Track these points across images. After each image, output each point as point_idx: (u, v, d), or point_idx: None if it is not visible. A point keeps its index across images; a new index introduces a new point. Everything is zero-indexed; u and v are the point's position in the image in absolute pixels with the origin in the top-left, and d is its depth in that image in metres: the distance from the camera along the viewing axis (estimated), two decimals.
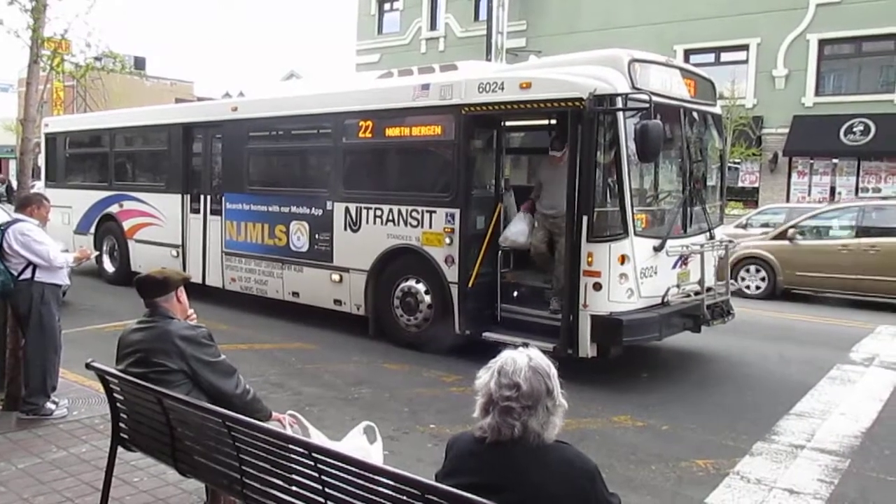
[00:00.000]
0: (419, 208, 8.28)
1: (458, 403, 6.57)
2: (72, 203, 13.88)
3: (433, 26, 30.00)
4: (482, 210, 8.01)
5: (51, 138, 14.67)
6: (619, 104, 6.71)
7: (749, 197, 22.12)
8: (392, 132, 8.68)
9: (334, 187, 9.23)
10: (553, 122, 8.84)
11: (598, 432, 5.89)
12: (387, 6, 31.87)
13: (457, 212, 7.92)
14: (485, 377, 2.34)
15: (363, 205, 8.86)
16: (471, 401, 6.51)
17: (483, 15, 27.02)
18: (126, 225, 12.59)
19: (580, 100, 6.82)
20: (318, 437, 3.75)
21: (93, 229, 13.35)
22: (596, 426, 6.04)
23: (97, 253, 10.75)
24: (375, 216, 8.74)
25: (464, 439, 2.46)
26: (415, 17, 30.31)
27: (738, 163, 21.78)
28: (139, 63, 55.40)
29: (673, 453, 5.49)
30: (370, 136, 8.86)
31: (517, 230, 7.99)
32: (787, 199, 20.89)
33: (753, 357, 8.61)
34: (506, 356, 2.34)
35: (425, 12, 30.17)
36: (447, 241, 8.02)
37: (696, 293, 7.55)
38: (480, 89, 7.69)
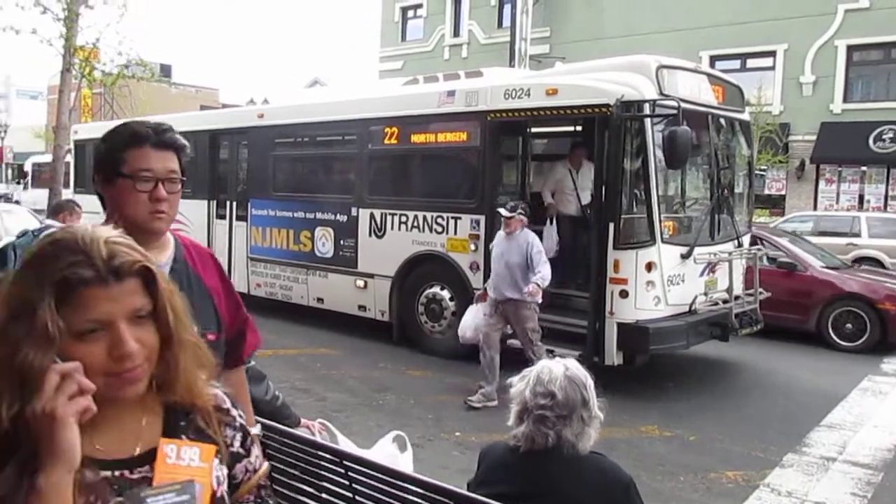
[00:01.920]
0: (444, 214, 8.27)
1: (483, 411, 6.54)
2: (99, 209, 14.01)
3: (457, 33, 30.00)
4: None
5: (80, 145, 14.82)
6: (647, 110, 6.67)
7: (775, 205, 21.85)
8: (417, 138, 8.69)
9: (359, 193, 9.25)
10: (579, 128, 8.82)
11: (625, 441, 5.83)
12: (410, 13, 31.93)
13: (482, 218, 7.90)
14: (520, 385, 2.32)
15: (388, 211, 8.87)
16: (495, 408, 6.50)
17: (507, 22, 26.97)
18: None
19: (607, 106, 6.79)
20: (346, 445, 3.74)
21: None
22: (623, 435, 5.98)
23: None
24: (400, 222, 8.74)
25: (497, 448, 2.45)
26: (438, 24, 30.34)
27: (765, 170, 21.52)
28: (165, 70, 55.98)
29: (701, 464, 5.42)
30: (395, 142, 8.87)
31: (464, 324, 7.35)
32: (815, 207, 20.61)
33: (782, 367, 8.48)
34: (542, 365, 2.32)
35: (449, 19, 30.19)
36: (472, 247, 8.00)
37: (724, 301, 7.46)
38: (506, 96, 7.67)
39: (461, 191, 8.33)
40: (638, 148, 6.78)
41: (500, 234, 6.94)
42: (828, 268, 10.04)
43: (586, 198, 8.23)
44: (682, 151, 6.39)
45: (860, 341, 9.28)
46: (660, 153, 6.67)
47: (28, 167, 37.95)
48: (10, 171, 59.31)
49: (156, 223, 1.99)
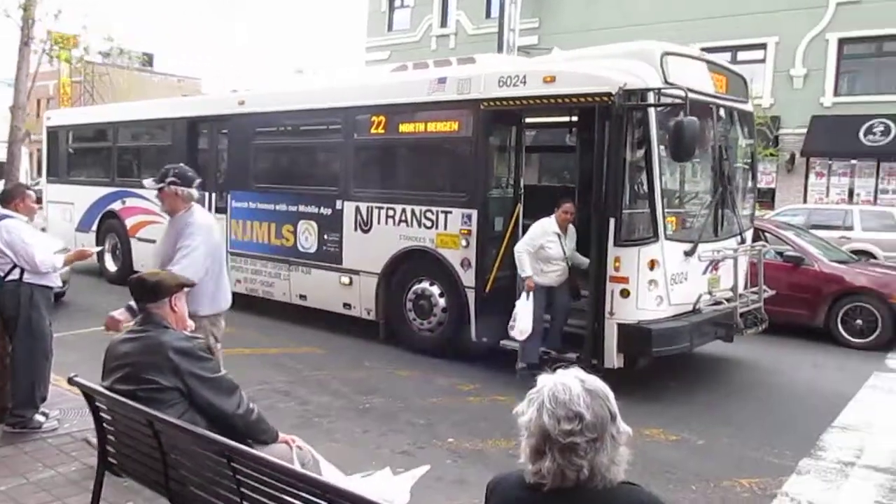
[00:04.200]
0: (434, 209, 7.88)
1: (477, 415, 6.18)
2: (74, 199, 13.55)
3: (444, 23, 29.53)
4: (500, 211, 7.61)
5: (52, 132, 14.32)
6: (652, 100, 6.30)
7: (765, 198, 21.62)
8: (406, 128, 8.28)
9: (344, 186, 8.84)
10: (574, 118, 8.44)
11: (630, 447, 5.49)
12: (397, 3, 31.40)
13: (474, 212, 7.52)
14: (530, 412, 1.91)
15: (375, 204, 8.47)
16: (490, 411, 6.11)
17: (495, 12, 26.50)
18: (129, 223, 12.21)
19: (609, 95, 6.41)
20: (329, 471, 3.35)
21: (95, 227, 12.99)
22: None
23: (100, 248, 10.31)
24: (387, 216, 8.34)
25: (509, 484, 2.05)
26: (425, 14, 29.85)
27: None
28: (147, 59, 55.26)
29: (713, 471, 5.09)
30: (383, 132, 8.46)
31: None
32: (805, 201, 20.41)
33: (786, 365, 8.20)
34: (553, 382, 1.92)
35: (436, 9, 29.70)
36: (463, 243, 7.62)
37: (728, 300, 7.13)
38: (501, 83, 7.28)
39: (452, 183, 7.94)
40: (640, 139, 6.41)
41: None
42: (835, 261, 9.76)
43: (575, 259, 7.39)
44: (689, 143, 6.03)
45: (871, 337, 9.01)
46: (663, 145, 6.31)
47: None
48: None
49: None
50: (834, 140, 20.18)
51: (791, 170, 21.12)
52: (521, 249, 7.00)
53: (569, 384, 1.91)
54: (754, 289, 7.60)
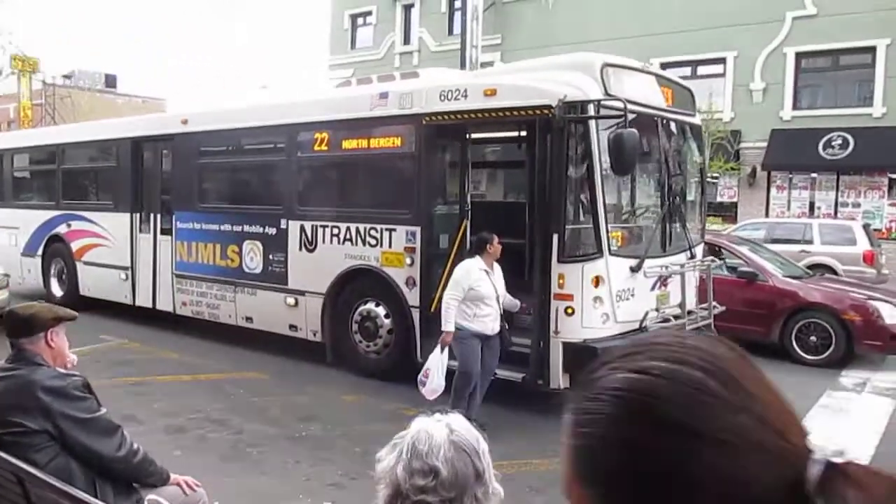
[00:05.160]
0: (378, 226, 7.66)
1: None
2: (19, 224, 13.15)
3: (407, 41, 29.48)
4: (445, 228, 7.40)
5: None
6: (592, 111, 6.15)
7: (727, 212, 21.70)
8: (349, 144, 8.06)
9: (289, 204, 8.59)
10: (523, 133, 8.27)
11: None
12: (360, 21, 31.30)
13: (417, 230, 7.31)
14: (389, 459, 1.69)
15: (319, 223, 8.22)
16: None
17: (457, 29, 26.54)
18: (74, 246, 11.84)
19: (549, 107, 6.25)
20: None
21: (41, 251, 12.58)
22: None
23: None
24: (332, 235, 8.10)
25: None
26: (388, 32, 29.79)
27: (717, 177, 21.36)
28: (110, 80, 54.56)
29: None
30: (326, 149, 8.24)
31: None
32: (767, 214, 20.49)
33: None
34: (418, 429, 1.70)
35: (399, 27, 29.66)
36: (408, 261, 7.40)
37: (677, 317, 6.96)
38: (442, 97, 7.10)
39: (396, 200, 7.72)
40: (582, 152, 6.25)
41: None
42: (790, 277, 9.65)
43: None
44: (629, 156, 5.88)
45: (826, 354, 8.87)
46: (606, 158, 6.15)
47: None
48: None
49: None
50: (794, 153, 20.31)
51: (752, 183, 21.22)
52: (448, 299, 6.01)
53: (433, 434, 1.68)
54: (704, 305, 7.44)
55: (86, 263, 11.65)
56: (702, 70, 22.04)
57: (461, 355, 6.03)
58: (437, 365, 6.05)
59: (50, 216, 12.36)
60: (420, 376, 6.15)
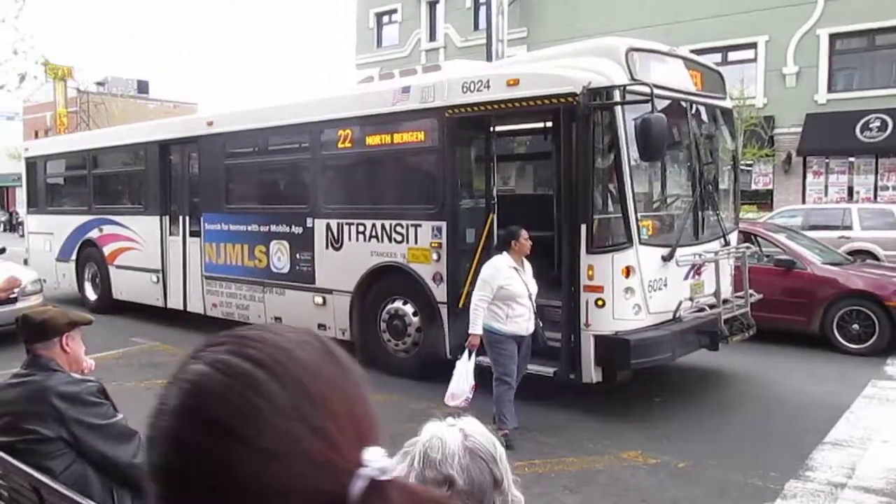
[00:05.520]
0: (404, 222, 7.56)
1: None
2: (53, 229, 13.33)
3: (433, 37, 29.38)
4: (472, 222, 7.27)
5: (31, 163, 14.13)
6: (617, 97, 5.97)
7: (763, 199, 21.24)
8: (372, 140, 7.97)
9: (314, 203, 8.53)
10: (549, 124, 8.11)
11: (604, 473, 5.12)
12: (385, 19, 31.29)
13: (443, 224, 7.19)
14: (400, 469, 1.57)
15: (345, 220, 8.15)
16: None
17: (483, 23, 26.30)
18: (106, 250, 11.95)
19: (573, 95, 6.09)
20: None
21: (74, 256, 12.73)
22: (602, 465, 5.26)
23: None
24: (358, 232, 8.02)
25: None
26: (414, 29, 29.71)
27: (751, 165, 20.92)
28: (142, 86, 55.46)
29: (692, 498, 4.72)
30: (350, 145, 8.16)
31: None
32: (803, 201, 20.01)
33: (779, 375, 7.79)
34: (430, 434, 1.58)
35: (424, 23, 29.57)
36: (434, 256, 7.29)
37: (712, 306, 6.75)
38: (465, 89, 6.98)
39: (421, 195, 7.62)
40: (609, 140, 6.07)
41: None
42: (829, 264, 9.35)
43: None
44: (657, 141, 5.70)
45: (869, 342, 8.56)
46: (633, 145, 5.97)
47: None
48: None
49: None
50: (830, 138, 19.80)
51: (788, 170, 20.73)
52: (477, 300, 5.66)
53: (447, 439, 1.56)
54: (740, 293, 7.22)
55: (118, 267, 11.75)
56: (732, 56, 21.58)
57: (498, 361, 5.65)
58: (462, 369, 5.64)
59: (82, 221, 12.50)
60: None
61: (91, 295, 12.54)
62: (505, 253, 5.74)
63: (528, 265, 5.85)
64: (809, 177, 20.77)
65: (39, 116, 50.75)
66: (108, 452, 2.84)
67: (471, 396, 5.57)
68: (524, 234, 5.73)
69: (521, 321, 5.66)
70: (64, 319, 3.08)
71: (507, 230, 5.90)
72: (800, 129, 20.27)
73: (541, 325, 5.88)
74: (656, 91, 5.96)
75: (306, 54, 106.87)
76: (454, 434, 1.56)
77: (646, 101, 5.78)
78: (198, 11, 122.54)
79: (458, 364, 5.71)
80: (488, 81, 6.80)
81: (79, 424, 2.80)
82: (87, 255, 12.50)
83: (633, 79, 6.09)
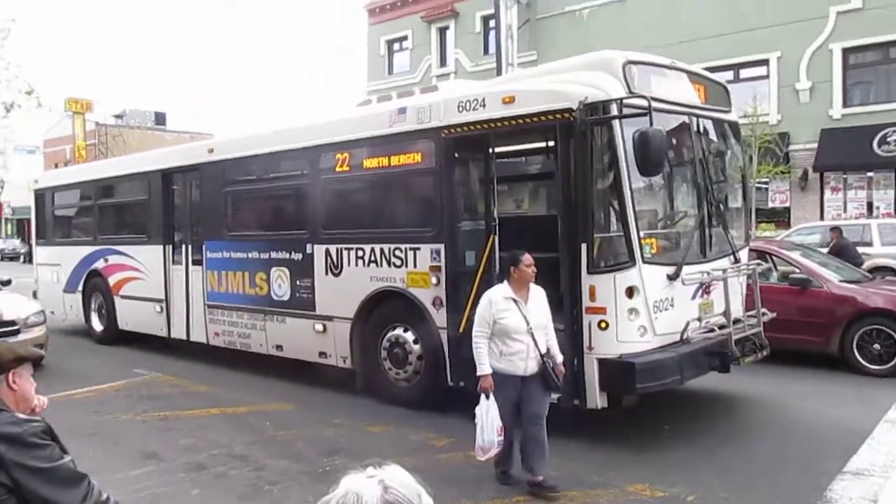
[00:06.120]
0: (402, 246, 7.36)
1: (445, 476, 5.54)
2: (60, 261, 13.30)
3: (443, 63, 29.43)
4: (472, 244, 7.05)
5: (40, 194, 14.15)
6: (615, 112, 5.76)
7: (780, 217, 20.87)
8: (370, 164, 7.81)
9: (313, 228, 8.37)
10: (550, 142, 7.89)
11: None
12: (396, 46, 31.44)
13: (442, 247, 6.99)
14: None
15: (344, 245, 7.97)
16: (460, 472, 5.42)
17: (493, 48, 26.40)
18: (111, 280, 11.86)
19: (570, 111, 5.90)
20: None
21: (81, 287, 12.67)
22: (607, 499, 4.97)
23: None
24: (357, 257, 7.84)
25: None
26: (424, 55, 29.80)
27: (766, 182, 20.59)
28: (159, 118, 56.22)
29: None
30: (347, 169, 8.01)
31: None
32: (821, 218, 19.61)
33: (795, 398, 7.45)
34: (346, 490, 1.38)
35: (434, 50, 29.66)
36: (434, 280, 7.07)
37: (722, 326, 6.46)
38: (460, 108, 6.81)
39: (419, 218, 7.42)
40: (608, 156, 5.85)
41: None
42: (847, 282, 9.00)
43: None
44: (655, 155, 5.47)
45: (892, 363, 8.20)
46: (633, 161, 5.74)
47: None
48: (8, 226, 59.40)
49: None
50: (847, 153, 19.45)
51: (805, 186, 20.37)
52: (476, 338, 5.15)
53: (363, 492, 1.36)
54: (752, 313, 6.92)
55: (123, 297, 11.65)
56: (744, 73, 21.35)
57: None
58: (483, 417, 5.02)
59: (88, 252, 12.44)
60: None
61: (97, 326, 12.45)
62: (505, 282, 5.21)
63: (538, 293, 5.22)
64: (827, 193, 20.40)
65: (59, 149, 51.51)
66: (53, 498, 2.61)
67: (503, 440, 5.05)
68: (526, 258, 5.13)
69: (517, 359, 5.07)
70: (10, 355, 2.88)
71: (508, 255, 5.35)
72: (815, 145, 19.95)
73: (550, 363, 5.15)
74: (657, 105, 5.75)
75: (325, 83, 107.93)
76: (372, 487, 1.36)
77: (644, 115, 5.56)
78: (214, 41, 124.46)
79: (478, 411, 5.09)
80: (484, 100, 6.63)
81: (20, 468, 2.58)
82: (94, 286, 12.43)
83: (631, 92, 5.87)
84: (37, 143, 59.28)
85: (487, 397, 5.04)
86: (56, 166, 47.72)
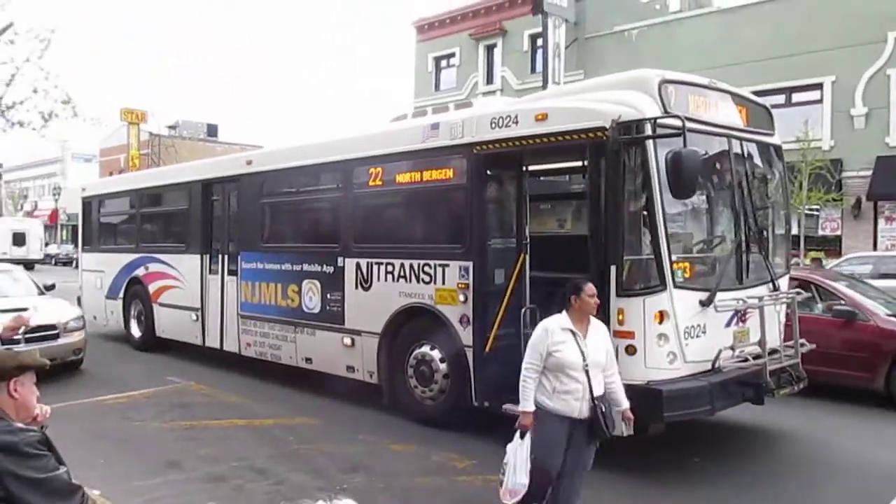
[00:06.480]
0: (432, 262, 7.29)
1: (463, 497, 5.43)
2: (104, 267, 13.55)
3: (490, 80, 29.46)
4: (501, 262, 6.95)
5: (87, 202, 14.49)
6: (648, 131, 5.61)
7: (831, 245, 20.24)
8: (402, 178, 7.78)
9: (345, 242, 8.36)
10: (579, 159, 7.76)
11: None
12: (443, 63, 31.61)
13: (470, 264, 6.89)
14: None
15: (374, 260, 7.93)
16: (478, 495, 5.24)
17: (540, 66, 26.33)
18: (151, 288, 12.04)
19: (602, 129, 5.77)
20: None
21: (122, 293, 12.88)
22: None
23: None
24: (387, 272, 7.79)
25: None
26: (471, 73, 29.88)
27: (818, 209, 20.01)
28: (211, 129, 57.50)
29: None
30: (380, 184, 8.00)
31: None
32: (874, 247, 18.96)
33: (836, 436, 7.13)
34: None
35: (481, 67, 29.73)
36: (461, 298, 6.98)
37: (757, 356, 6.21)
38: (493, 125, 6.73)
39: (449, 234, 7.35)
40: (641, 176, 5.69)
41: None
42: (895, 315, 8.63)
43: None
44: (688, 177, 5.31)
45: None
46: (666, 182, 5.57)
47: None
48: (64, 232, 61.21)
49: None
50: None
51: (857, 215, 19.73)
52: (526, 370, 4.60)
53: None
54: (790, 343, 6.65)
55: (161, 305, 11.81)
56: (797, 97, 20.84)
57: (535, 440, 4.52)
58: (514, 457, 4.52)
59: (130, 259, 12.65)
60: (500, 475, 4.63)
61: (136, 332, 12.63)
62: (564, 312, 4.65)
63: (599, 328, 4.72)
64: (881, 223, 19.71)
65: (114, 158, 52.93)
66: None
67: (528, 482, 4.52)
68: (589, 288, 4.60)
69: (571, 399, 4.49)
70: (12, 363, 2.86)
71: (569, 283, 4.74)
72: (870, 173, 19.31)
73: (603, 408, 4.54)
74: (693, 125, 5.60)
75: (376, 95, 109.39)
76: None
77: (678, 136, 5.40)
78: (263, 57, 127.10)
79: (509, 450, 4.59)
80: (517, 116, 6.54)
81: (14, 479, 2.56)
82: (134, 293, 12.62)
83: (666, 112, 5.72)
84: (93, 152, 61.19)
85: (522, 437, 4.54)
86: (111, 174, 49.05)
